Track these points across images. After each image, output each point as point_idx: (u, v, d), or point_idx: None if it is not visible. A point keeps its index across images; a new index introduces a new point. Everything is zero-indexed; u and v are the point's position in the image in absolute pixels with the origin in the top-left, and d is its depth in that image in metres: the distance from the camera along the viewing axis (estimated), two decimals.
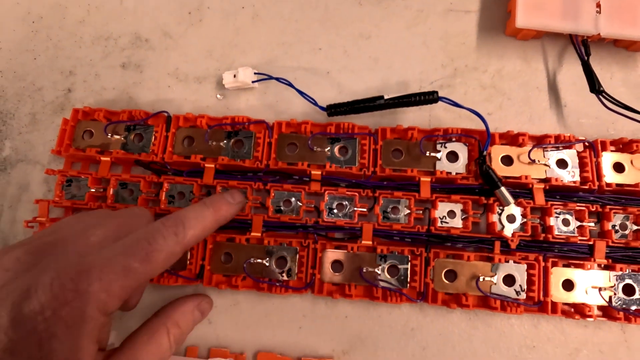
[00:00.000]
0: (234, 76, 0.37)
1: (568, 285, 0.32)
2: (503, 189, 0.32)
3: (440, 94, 0.33)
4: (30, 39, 0.41)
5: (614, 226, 0.33)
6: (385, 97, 0.33)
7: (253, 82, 0.37)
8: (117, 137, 0.36)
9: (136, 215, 0.28)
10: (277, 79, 0.36)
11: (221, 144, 0.35)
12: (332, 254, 0.33)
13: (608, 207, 0.33)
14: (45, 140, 0.38)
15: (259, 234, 0.34)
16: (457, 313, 0.34)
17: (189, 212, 0.28)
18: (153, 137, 0.36)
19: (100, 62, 0.40)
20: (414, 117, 0.37)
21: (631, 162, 0.34)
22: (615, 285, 0.32)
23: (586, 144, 0.34)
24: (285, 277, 0.33)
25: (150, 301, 0.35)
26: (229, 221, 0.31)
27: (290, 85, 0.36)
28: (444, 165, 0.34)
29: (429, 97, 0.33)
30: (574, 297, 0.32)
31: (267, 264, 0.33)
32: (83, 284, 0.22)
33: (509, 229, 0.33)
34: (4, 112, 0.39)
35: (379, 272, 0.33)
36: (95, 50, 0.40)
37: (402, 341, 0.34)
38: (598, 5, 0.35)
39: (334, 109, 0.34)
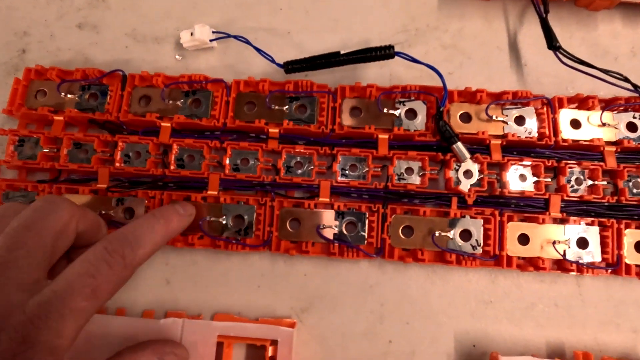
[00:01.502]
0: (191, 34, 0.36)
1: (524, 239, 0.33)
2: (459, 144, 0.32)
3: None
4: None
5: (569, 181, 0.33)
6: (342, 52, 0.33)
7: (211, 40, 0.36)
8: (71, 96, 0.35)
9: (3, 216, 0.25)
10: (236, 37, 0.36)
11: (178, 103, 0.35)
12: (290, 212, 0.33)
13: (564, 162, 0.33)
14: None
15: (216, 192, 0.33)
16: (415, 269, 0.34)
17: (137, 229, 0.26)
18: (108, 97, 0.35)
19: (56, 23, 0.39)
20: (374, 76, 0.37)
21: (587, 119, 0.34)
22: (569, 239, 0.32)
23: (544, 100, 0.34)
24: (242, 235, 0.33)
25: None
26: (179, 234, 0.29)
27: (249, 43, 0.35)
28: (402, 123, 0.34)
29: (385, 52, 0.33)
30: (529, 251, 0.32)
31: (224, 222, 0.33)
32: (32, 334, 0.20)
33: (465, 185, 0.33)
34: None
35: (336, 228, 0.33)
36: (50, 10, 0.39)
37: (361, 297, 0.34)
38: None
39: (291, 66, 0.34)
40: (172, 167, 0.34)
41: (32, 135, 0.34)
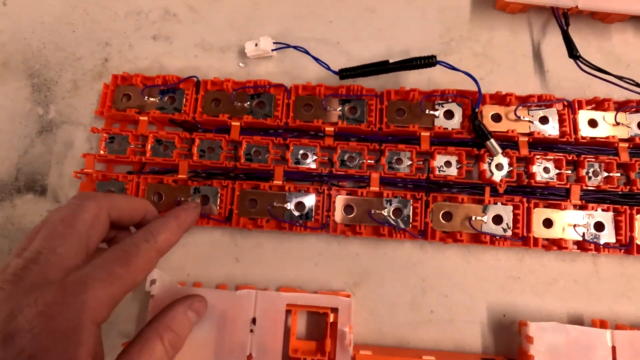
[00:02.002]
0: (256, 45, 0.42)
1: (548, 223, 0.38)
2: (492, 140, 0.37)
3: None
4: (69, 14, 0.45)
5: (587, 173, 0.38)
6: (390, 61, 0.38)
7: (272, 50, 0.42)
8: (152, 99, 0.41)
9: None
10: (295, 47, 0.41)
11: (245, 105, 0.40)
12: (344, 199, 0.38)
13: (583, 156, 0.38)
14: (86, 104, 0.43)
15: (281, 182, 0.39)
16: (452, 250, 0.39)
17: (154, 223, 0.31)
18: (184, 99, 0.41)
19: (133, 34, 0.44)
20: (414, 81, 0.42)
21: (603, 118, 0.39)
22: (587, 222, 0.37)
23: (565, 103, 0.39)
24: (304, 219, 0.38)
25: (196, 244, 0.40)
26: (192, 224, 0.34)
27: (307, 52, 0.41)
28: (441, 122, 0.39)
29: (428, 61, 0.38)
30: (553, 233, 0.37)
31: (288, 207, 0.38)
32: (70, 297, 0.24)
33: (497, 176, 0.38)
34: (48, 80, 0.43)
35: (385, 213, 0.38)
36: (128, 23, 0.45)
37: (405, 274, 0.39)
38: None
39: (345, 73, 0.39)
40: (242, 161, 0.39)
41: (121, 133, 0.40)
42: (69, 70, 0.44)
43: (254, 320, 0.36)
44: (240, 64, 0.43)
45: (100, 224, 0.29)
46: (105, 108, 0.40)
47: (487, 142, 0.38)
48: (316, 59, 0.40)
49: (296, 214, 0.38)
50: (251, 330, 0.35)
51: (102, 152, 0.40)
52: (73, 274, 0.26)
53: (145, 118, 0.40)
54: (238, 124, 0.40)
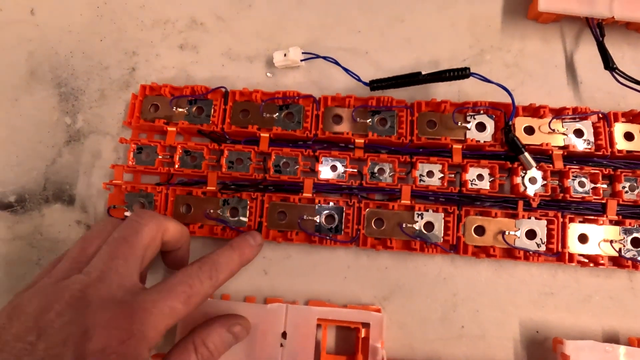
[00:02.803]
0: (285, 55, 0.41)
1: (583, 238, 0.37)
2: (527, 154, 0.37)
3: None
4: (96, 23, 0.45)
5: (624, 187, 0.37)
6: (423, 72, 0.38)
7: (301, 60, 0.41)
8: (180, 109, 0.40)
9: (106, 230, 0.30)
10: (325, 58, 0.41)
11: (274, 116, 0.40)
12: (374, 212, 0.38)
13: (619, 170, 0.37)
14: (113, 114, 0.43)
15: (310, 195, 0.38)
16: (484, 264, 0.39)
17: (221, 257, 0.31)
18: (212, 110, 0.40)
19: (160, 44, 0.44)
20: (444, 92, 0.42)
21: None
22: (624, 238, 0.37)
23: (600, 115, 0.39)
24: (333, 232, 0.38)
25: None
26: (250, 262, 0.35)
27: (337, 63, 0.40)
28: (473, 135, 0.39)
29: (462, 73, 0.37)
30: (588, 249, 0.37)
31: (317, 221, 0.38)
32: (137, 324, 0.25)
33: (531, 190, 0.38)
34: (76, 89, 0.43)
35: (417, 227, 0.37)
36: (155, 32, 0.44)
37: (436, 288, 0.38)
38: None
39: (376, 84, 0.39)
40: (271, 172, 0.39)
41: (149, 144, 0.40)
42: (96, 80, 0.44)
43: (284, 334, 0.35)
44: (268, 74, 0.43)
45: (156, 246, 0.31)
46: (133, 118, 0.40)
47: (521, 156, 0.37)
48: (346, 70, 0.40)
49: (326, 226, 0.38)
50: (281, 345, 0.35)
51: (130, 162, 0.40)
52: (140, 297, 0.26)
53: (174, 129, 0.40)
54: (267, 135, 0.40)
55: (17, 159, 0.42)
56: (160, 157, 0.40)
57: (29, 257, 0.40)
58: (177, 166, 0.39)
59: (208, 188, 0.39)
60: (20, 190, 0.42)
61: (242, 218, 0.38)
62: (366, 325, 0.36)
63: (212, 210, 0.38)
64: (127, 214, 0.39)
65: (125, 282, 0.27)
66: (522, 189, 0.38)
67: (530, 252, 0.37)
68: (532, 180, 0.38)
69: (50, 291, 0.26)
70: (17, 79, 0.44)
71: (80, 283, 0.26)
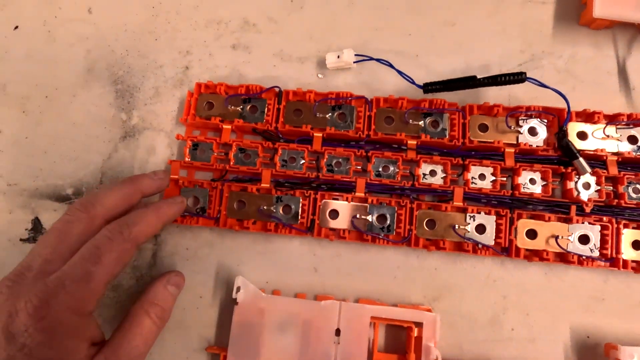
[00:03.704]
0: (338, 57, 0.42)
1: (637, 245, 0.37)
2: (582, 159, 0.37)
3: None
4: (151, 22, 0.46)
5: None
6: (478, 76, 0.38)
7: (354, 62, 0.42)
8: (234, 108, 0.41)
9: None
10: (378, 60, 0.41)
11: (326, 116, 0.41)
12: (426, 213, 0.38)
13: None
14: (167, 111, 0.44)
15: (362, 194, 0.39)
16: (534, 268, 0.39)
17: (131, 215, 0.33)
18: (266, 109, 0.41)
19: (213, 43, 0.45)
20: (494, 95, 0.42)
21: None
22: None
23: None
24: (385, 232, 0.38)
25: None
26: (173, 219, 0.37)
27: (391, 65, 0.41)
28: (525, 138, 0.39)
29: (517, 77, 0.37)
30: None
31: (370, 220, 0.38)
32: (52, 297, 0.28)
33: (584, 195, 0.38)
34: (131, 86, 0.45)
35: (468, 229, 0.38)
36: (208, 32, 0.45)
37: (485, 290, 0.39)
38: None
39: (430, 87, 0.39)
40: (324, 172, 0.39)
41: (206, 141, 0.41)
42: (151, 78, 0.45)
43: (337, 331, 0.36)
44: (319, 75, 0.44)
45: (96, 230, 0.32)
46: (189, 116, 0.41)
47: (576, 161, 0.37)
48: (400, 73, 0.40)
49: (378, 226, 0.39)
50: (337, 342, 0.36)
51: (187, 159, 0.41)
52: (53, 276, 0.29)
53: (229, 127, 0.41)
54: (320, 135, 0.40)
55: (75, 153, 0.43)
56: (215, 154, 0.41)
57: None
58: (232, 163, 0.40)
59: (262, 185, 0.40)
60: (78, 183, 0.43)
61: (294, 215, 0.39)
62: (418, 324, 0.36)
63: (265, 207, 0.39)
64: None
65: (54, 269, 0.30)
66: (575, 193, 0.38)
67: (584, 257, 0.37)
68: (586, 186, 0.38)
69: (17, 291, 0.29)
70: (75, 76, 0.45)
71: (13, 273, 0.30)
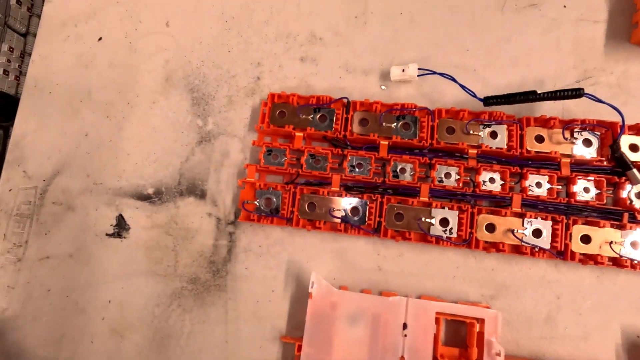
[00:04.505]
0: (403, 70, 0.45)
1: None
2: (635, 170, 0.40)
3: None
4: (224, 35, 0.50)
5: None
6: (538, 91, 0.41)
7: (418, 75, 0.45)
8: (304, 117, 0.45)
9: None
10: (441, 74, 0.44)
11: (392, 125, 0.44)
12: (486, 218, 0.41)
13: None
14: (240, 118, 0.47)
15: (427, 199, 0.42)
16: (586, 271, 0.41)
17: None
18: (335, 118, 0.44)
19: (283, 55, 0.49)
20: (548, 109, 0.45)
21: None
22: None
23: None
24: (448, 234, 0.41)
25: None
26: None
27: (453, 79, 0.44)
28: (580, 150, 0.42)
29: (575, 93, 0.40)
30: None
31: (433, 223, 0.42)
32: None
33: (637, 203, 0.40)
34: (207, 95, 0.48)
35: (526, 233, 0.41)
36: (278, 45, 0.49)
37: (540, 290, 0.41)
38: None
39: (490, 100, 0.42)
40: (389, 177, 0.43)
41: (279, 147, 0.44)
42: (224, 87, 0.48)
43: (404, 325, 0.39)
44: (383, 87, 0.47)
45: None
46: (264, 123, 0.45)
47: (629, 172, 0.40)
48: (462, 86, 0.43)
49: (440, 228, 0.42)
50: (405, 335, 0.39)
51: (262, 163, 0.44)
52: None
53: (301, 134, 0.44)
54: (386, 143, 0.43)
55: (155, 155, 0.47)
56: (287, 159, 0.44)
57: (165, 243, 0.45)
58: (304, 168, 0.43)
59: (332, 188, 0.43)
60: (158, 184, 0.47)
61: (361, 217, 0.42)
62: (479, 320, 0.39)
63: (336, 209, 0.42)
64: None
65: None
66: (628, 202, 0.40)
67: (636, 262, 0.39)
68: (638, 195, 0.40)
69: None
70: (155, 84, 0.49)
71: None
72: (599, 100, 0.40)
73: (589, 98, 0.40)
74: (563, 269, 0.42)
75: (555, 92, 0.41)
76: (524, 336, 0.41)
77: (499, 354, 0.37)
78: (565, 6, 0.47)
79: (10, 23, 0.70)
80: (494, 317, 0.39)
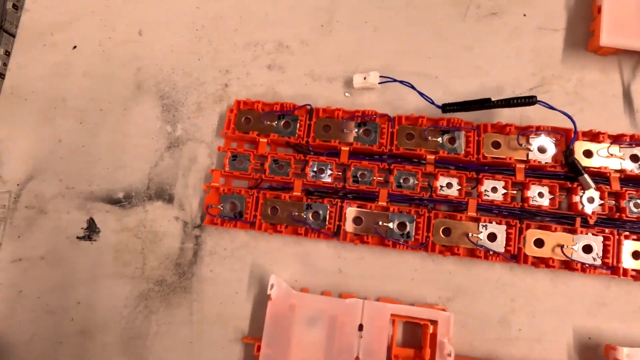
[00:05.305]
0: (364, 78, 0.46)
1: (636, 255, 0.40)
2: (586, 176, 0.41)
3: None
4: (195, 44, 0.51)
5: None
6: (493, 99, 0.42)
7: (379, 83, 0.46)
8: (269, 123, 0.46)
9: None
10: (401, 82, 0.45)
11: (353, 131, 0.45)
12: (443, 222, 0.42)
13: None
14: (208, 124, 0.49)
15: (385, 203, 0.43)
16: (540, 274, 0.42)
17: None
18: (298, 124, 0.46)
19: (251, 63, 0.50)
20: (507, 115, 0.46)
21: None
22: None
23: None
24: (405, 238, 0.42)
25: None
26: None
27: (412, 87, 0.45)
28: (535, 155, 0.43)
29: (529, 100, 0.41)
30: None
31: (391, 227, 0.43)
32: None
33: (588, 208, 0.41)
34: (176, 101, 0.50)
35: (481, 237, 0.42)
36: (246, 54, 0.50)
37: (495, 293, 0.42)
38: None
39: (448, 107, 0.43)
40: (350, 182, 0.44)
41: (244, 152, 0.45)
42: (194, 94, 0.50)
43: (360, 327, 0.40)
44: (346, 94, 0.48)
45: None
46: (230, 129, 0.46)
47: (581, 177, 0.41)
48: (421, 94, 0.45)
49: (398, 232, 0.43)
50: (360, 336, 0.40)
51: (226, 168, 0.45)
52: None
53: (265, 140, 0.45)
54: (347, 148, 0.45)
55: (126, 161, 0.48)
56: (252, 164, 0.45)
57: (134, 246, 0.47)
58: (267, 173, 0.45)
59: (294, 193, 0.44)
60: (128, 188, 0.48)
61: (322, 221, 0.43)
62: (434, 322, 0.40)
63: (296, 213, 0.44)
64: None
65: None
66: (580, 207, 0.41)
67: (587, 265, 0.40)
68: (590, 200, 0.41)
69: None
70: (127, 91, 0.50)
71: None
72: (552, 108, 0.41)
73: (542, 105, 0.42)
74: (518, 273, 0.43)
75: (509, 99, 0.42)
76: (479, 338, 0.42)
77: (449, 355, 0.38)
78: (525, 15, 0.48)
79: (7, 27, 0.72)
80: (447, 319, 0.40)
